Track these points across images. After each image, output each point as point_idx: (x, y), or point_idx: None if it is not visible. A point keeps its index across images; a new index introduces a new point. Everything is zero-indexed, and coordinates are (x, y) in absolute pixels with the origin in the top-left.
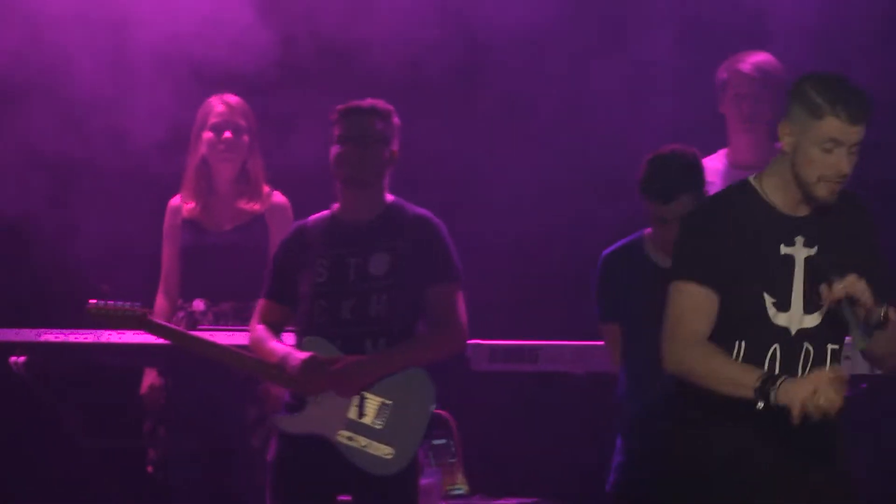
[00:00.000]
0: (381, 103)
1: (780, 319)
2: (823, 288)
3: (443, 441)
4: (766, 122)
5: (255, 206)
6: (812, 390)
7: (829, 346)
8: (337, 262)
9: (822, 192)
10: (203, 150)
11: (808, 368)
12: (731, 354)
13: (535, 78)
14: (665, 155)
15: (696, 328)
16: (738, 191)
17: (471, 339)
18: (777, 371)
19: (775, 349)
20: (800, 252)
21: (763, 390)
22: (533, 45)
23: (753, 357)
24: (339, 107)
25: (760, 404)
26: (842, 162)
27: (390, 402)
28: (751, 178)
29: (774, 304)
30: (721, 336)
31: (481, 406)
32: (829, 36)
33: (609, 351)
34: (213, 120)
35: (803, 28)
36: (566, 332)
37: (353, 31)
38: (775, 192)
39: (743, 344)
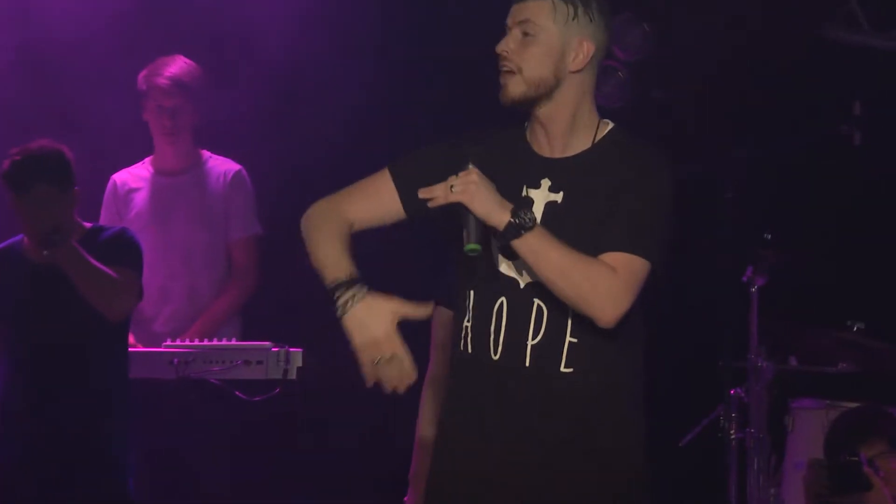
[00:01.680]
0: None
1: (508, 269)
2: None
3: None
4: (189, 130)
5: None
6: (374, 343)
7: (572, 308)
8: None
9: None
10: None
11: (542, 330)
12: (465, 305)
13: None
14: (27, 148)
15: (343, 199)
16: (508, 128)
17: None
18: (504, 329)
19: (502, 302)
20: (542, 196)
21: (334, 294)
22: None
23: (481, 308)
24: None
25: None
26: (502, 42)
27: None
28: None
29: (501, 249)
30: (459, 287)
31: None
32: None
33: None
34: None
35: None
36: None
37: None
38: (535, 131)
39: (472, 294)
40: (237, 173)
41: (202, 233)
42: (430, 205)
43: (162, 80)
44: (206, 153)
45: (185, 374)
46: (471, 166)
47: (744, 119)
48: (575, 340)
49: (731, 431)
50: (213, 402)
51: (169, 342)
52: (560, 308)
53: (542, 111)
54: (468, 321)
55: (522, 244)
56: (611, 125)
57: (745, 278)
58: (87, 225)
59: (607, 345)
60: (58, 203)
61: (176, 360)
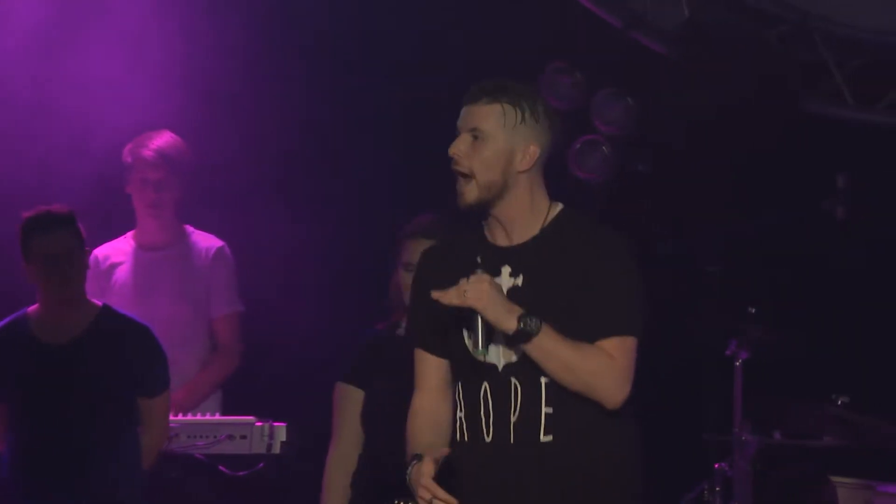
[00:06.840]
0: None
1: (485, 356)
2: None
3: None
4: (173, 204)
5: None
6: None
7: (542, 380)
8: None
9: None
10: None
11: (518, 405)
12: (456, 398)
13: None
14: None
15: (417, 397)
16: (471, 230)
17: None
18: (492, 411)
19: (485, 388)
20: (505, 282)
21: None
22: None
23: (469, 397)
24: None
25: None
26: (453, 145)
27: None
28: None
29: (474, 340)
30: (453, 381)
31: None
32: None
33: None
34: None
35: None
36: None
37: None
38: (491, 225)
39: (461, 385)
40: (220, 249)
41: (185, 308)
42: (441, 300)
43: (147, 153)
44: (189, 228)
45: (170, 448)
46: (480, 272)
47: (728, 193)
48: (550, 410)
49: None
50: (197, 477)
51: None
52: (532, 383)
53: (496, 210)
54: (460, 411)
55: (532, 347)
56: (560, 207)
57: (728, 352)
58: (98, 303)
59: (586, 413)
60: (78, 258)
61: None
